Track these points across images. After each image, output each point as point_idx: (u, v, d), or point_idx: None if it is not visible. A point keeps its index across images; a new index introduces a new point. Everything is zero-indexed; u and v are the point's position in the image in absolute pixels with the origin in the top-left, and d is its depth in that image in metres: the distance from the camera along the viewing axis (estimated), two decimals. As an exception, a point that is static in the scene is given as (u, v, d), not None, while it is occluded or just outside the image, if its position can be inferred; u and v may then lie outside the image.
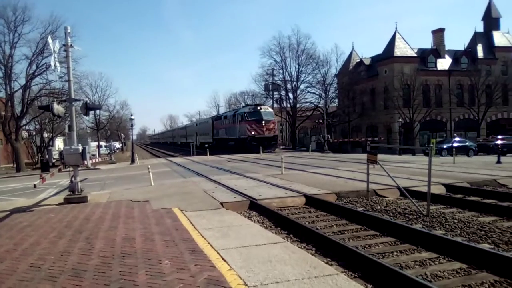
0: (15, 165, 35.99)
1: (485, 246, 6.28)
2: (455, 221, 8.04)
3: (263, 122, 39.88)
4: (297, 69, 58.22)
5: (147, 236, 6.96)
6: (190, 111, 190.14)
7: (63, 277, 4.96)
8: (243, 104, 76.62)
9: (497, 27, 55.70)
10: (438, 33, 53.98)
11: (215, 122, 55.40)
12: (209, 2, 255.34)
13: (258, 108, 41.49)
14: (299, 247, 6.39)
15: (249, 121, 39.94)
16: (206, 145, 53.55)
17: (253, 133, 39.31)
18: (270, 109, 44.83)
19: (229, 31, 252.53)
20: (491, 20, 55.43)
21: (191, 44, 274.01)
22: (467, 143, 34.35)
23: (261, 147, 35.79)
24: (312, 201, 10.60)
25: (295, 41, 57.27)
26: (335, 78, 58.33)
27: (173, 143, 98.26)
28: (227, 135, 47.51)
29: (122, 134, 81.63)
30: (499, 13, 56.36)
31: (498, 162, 20.20)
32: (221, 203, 10.24)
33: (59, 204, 11.50)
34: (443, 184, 12.17)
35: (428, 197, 8.82)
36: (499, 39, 54.42)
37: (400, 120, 44.62)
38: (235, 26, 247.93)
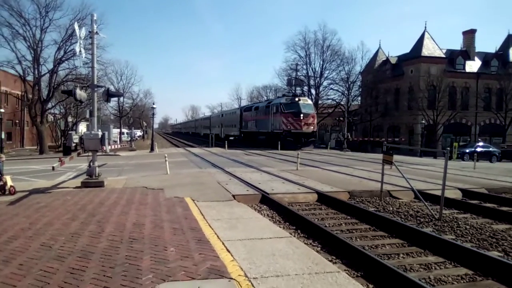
0: (38, 147, 37.01)
1: (494, 253, 6.17)
2: (467, 226, 7.91)
3: (302, 115, 34.21)
4: (321, 65, 57.87)
5: (156, 223, 7.10)
6: (212, 102, 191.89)
7: (71, 258, 5.13)
8: (266, 98, 76.28)
9: (532, 30, 53.80)
10: (469, 35, 52.58)
11: (244, 114, 49.20)
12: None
13: (296, 99, 35.80)
14: (304, 243, 6.41)
15: (285, 114, 34.53)
16: (232, 138, 51.51)
17: (289, 127, 34.12)
18: (310, 101, 39.00)
19: (256, 24, 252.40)
20: (525, 23, 53.63)
21: (220, 36, 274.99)
22: (490, 149, 33.61)
23: (279, 143, 33.92)
24: (324, 198, 10.59)
25: (321, 37, 56.80)
26: (359, 76, 57.71)
27: (195, 134, 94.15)
28: (258, 128, 42.19)
29: (144, 122, 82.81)
30: (534, 16, 54.45)
31: (521, 169, 19.68)
32: (233, 195, 10.33)
33: (77, 187, 11.80)
34: (460, 189, 11.96)
35: (441, 201, 8.69)
36: (533, 42, 52.63)
37: (424, 121, 43.79)
38: (262, 19, 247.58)
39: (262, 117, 40.72)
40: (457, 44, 59.59)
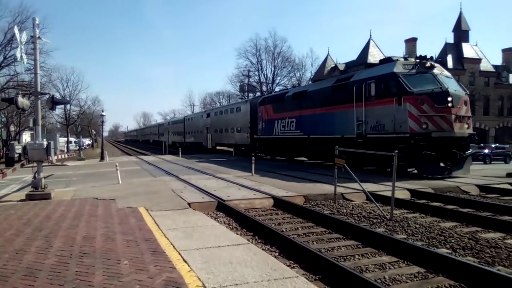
0: (-23, 159, 34.73)
1: (443, 251, 6.45)
2: (417, 225, 8.23)
3: (449, 100, 15.48)
4: (272, 72, 58.97)
5: (108, 235, 6.81)
6: (165, 109, 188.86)
7: (16, 277, 4.78)
8: (218, 105, 75.24)
9: (466, 39, 57.66)
10: (411, 43, 55.38)
11: (263, 108, 29.23)
12: (192, 1, 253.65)
13: (427, 64, 16.69)
14: (262, 249, 6.39)
15: (415, 97, 15.53)
16: (230, 149, 36.74)
17: (425, 126, 15.37)
18: (448, 73, 18.23)
19: (208, 31, 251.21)
20: (461, 32, 57.36)
21: (171, 42, 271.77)
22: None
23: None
24: (280, 203, 10.65)
25: (272, 44, 57.90)
26: (310, 82, 59.03)
27: (158, 143, 70.02)
28: (308, 131, 22.79)
29: (93, 130, 79.91)
30: (468, 26, 58.41)
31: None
32: (189, 203, 10.15)
33: (21, 200, 11.15)
34: (408, 190, 12.44)
35: (392, 202, 8.99)
36: (468, 50, 56.38)
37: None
38: (213, 26, 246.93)
39: (325, 110, 21.04)
40: (400, 51, 62.99)
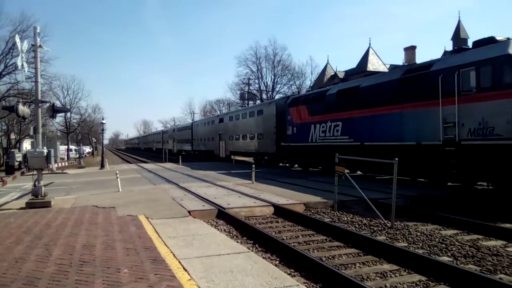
0: (-23, 167, 34.70)
1: (444, 259, 6.42)
2: (418, 233, 8.20)
3: None
4: (272, 80, 59.17)
5: (108, 243, 6.79)
6: (165, 117, 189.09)
7: (15, 285, 4.77)
8: (219, 112, 75.12)
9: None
10: (410, 50, 55.68)
11: (294, 109, 24.52)
12: (190, 8, 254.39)
13: None
14: (263, 257, 6.38)
15: None
16: (243, 158, 32.39)
17: None
18: None
19: (207, 38, 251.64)
20: (459, 40, 57.42)
21: (170, 49, 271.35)
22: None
23: None
24: (280, 211, 10.62)
25: (272, 52, 58.17)
26: (310, 90, 59.19)
27: (162, 151, 56.13)
28: (362, 137, 17.85)
29: (94, 138, 79.99)
30: (467, 34, 58.54)
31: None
32: (189, 211, 10.13)
33: (21, 208, 11.13)
34: (409, 196, 12.40)
35: (392, 210, 8.96)
36: (467, 58, 56.42)
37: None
38: (213, 34, 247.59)
39: (388, 109, 16.37)
40: (399, 59, 63.62)
